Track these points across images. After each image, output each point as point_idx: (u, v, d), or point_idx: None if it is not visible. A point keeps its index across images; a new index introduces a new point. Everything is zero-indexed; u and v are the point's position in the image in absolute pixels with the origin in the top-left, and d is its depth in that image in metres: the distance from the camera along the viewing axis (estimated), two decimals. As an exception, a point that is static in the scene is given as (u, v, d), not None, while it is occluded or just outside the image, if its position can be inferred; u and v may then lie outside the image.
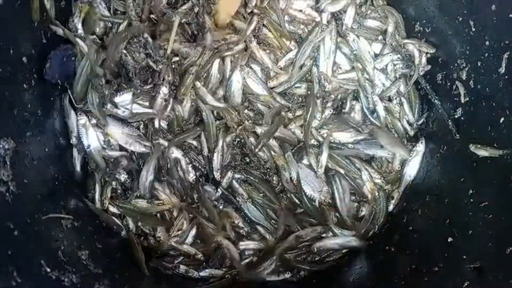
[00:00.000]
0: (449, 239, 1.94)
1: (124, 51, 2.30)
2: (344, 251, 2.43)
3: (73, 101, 2.28)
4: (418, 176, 2.41)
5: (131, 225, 2.38)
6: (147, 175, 2.34)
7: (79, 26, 2.30)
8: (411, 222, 2.29)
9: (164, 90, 2.32)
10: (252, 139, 2.43)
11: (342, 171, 2.45)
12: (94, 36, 2.34)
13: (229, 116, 2.41)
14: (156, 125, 2.39)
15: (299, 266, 2.38)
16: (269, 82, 2.47)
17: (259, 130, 2.42)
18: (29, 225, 1.72)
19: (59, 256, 1.80)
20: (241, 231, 2.45)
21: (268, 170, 2.48)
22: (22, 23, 1.91)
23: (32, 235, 1.72)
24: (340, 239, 2.38)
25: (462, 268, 1.79)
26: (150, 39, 2.33)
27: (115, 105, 2.33)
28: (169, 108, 2.37)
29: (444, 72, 2.30)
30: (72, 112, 2.29)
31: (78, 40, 2.24)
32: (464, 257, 1.82)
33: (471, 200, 1.92)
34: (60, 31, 2.20)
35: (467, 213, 1.92)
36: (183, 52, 2.38)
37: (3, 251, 1.50)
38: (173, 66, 2.39)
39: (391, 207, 2.45)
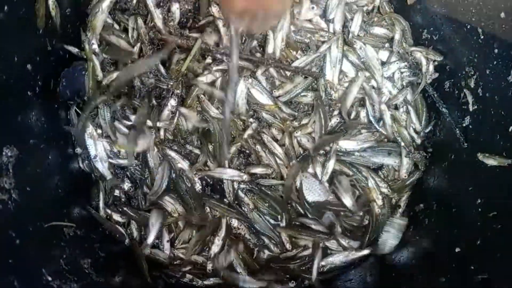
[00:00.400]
0: (457, 249, 1.91)
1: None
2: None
3: (79, 111, 2.30)
4: (425, 186, 2.38)
5: (135, 233, 2.36)
6: (161, 183, 2.34)
7: (94, 40, 2.31)
8: (417, 231, 2.26)
9: (172, 102, 2.34)
10: (258, 147, 2.41)
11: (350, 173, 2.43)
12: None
13: (234, 126, 2.41)
14: (162, 136, 2.39)
15: (303, 275, 2.34)
16: (274, 91, 2.45)
17: (264, 137, 2.41)
18: (31, 233, 1.71)
19: (61, 265, 1.79)
20: (249, 243, 2.42)
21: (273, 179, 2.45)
22: (27, 30, 1.91)
23: (34, 243, 1.71)
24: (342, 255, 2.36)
25: (470, 279, 1.76)
26: (162, 69, 2.36)
27: (125, 118, 2.35)
28: (175, 120, 2.37)
29: (452, 80, 2.27)
30: (78, 122, 2.29)
31: (93, 57, 2.28)
32: (472, 267, 1.79)
33: (479, 209, 1.89)
34: (74, 50, 2.25)
35: (475, 223, 1.89)
36: (192, 68, 2.39)
37: (4, 260, 1.49)
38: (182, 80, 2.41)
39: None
